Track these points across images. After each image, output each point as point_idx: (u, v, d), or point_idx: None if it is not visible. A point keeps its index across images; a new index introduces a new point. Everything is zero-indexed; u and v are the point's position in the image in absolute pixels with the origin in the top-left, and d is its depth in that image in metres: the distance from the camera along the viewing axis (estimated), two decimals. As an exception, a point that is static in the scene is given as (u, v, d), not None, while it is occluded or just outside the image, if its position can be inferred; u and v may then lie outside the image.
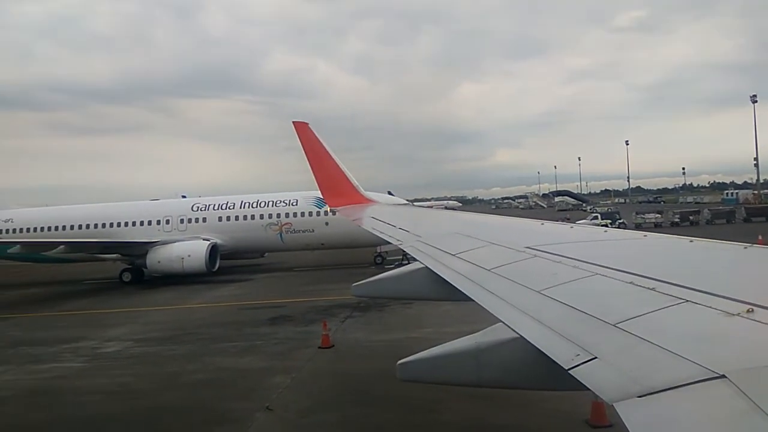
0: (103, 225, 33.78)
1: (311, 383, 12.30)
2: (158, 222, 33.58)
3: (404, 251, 28.53)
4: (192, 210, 34.30)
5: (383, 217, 13.24)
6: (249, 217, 33.52)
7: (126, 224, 33.70)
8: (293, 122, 19.61)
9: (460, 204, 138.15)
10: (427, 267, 6.27)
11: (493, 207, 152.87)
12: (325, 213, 32.26)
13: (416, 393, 9.84)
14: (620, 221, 50.60)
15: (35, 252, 31.75)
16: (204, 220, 33.72)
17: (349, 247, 33.50)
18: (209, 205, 34.51)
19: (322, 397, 11.40)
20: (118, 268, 32.57)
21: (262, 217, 33.33)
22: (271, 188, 36.11)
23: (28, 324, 21.58)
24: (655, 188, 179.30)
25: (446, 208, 73.70)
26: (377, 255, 32.80)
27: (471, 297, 4.34)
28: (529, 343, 3.06)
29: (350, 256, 34.12)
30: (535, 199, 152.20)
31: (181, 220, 33.61)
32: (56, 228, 34.05)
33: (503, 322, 3.57)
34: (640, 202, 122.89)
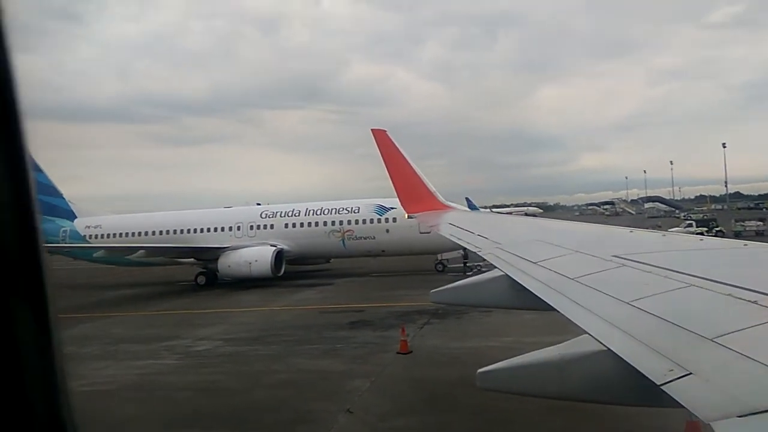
0: (181, 231, 35.94)
1: (390, 388, 12.39)
2: (230, 228, 35.31)
3: (466, 259, 28.31)
4: (261, 217, 35.79)
5: (461, 224, 13.15)
6: (313, 224, 34.59)
7: (201, 230, 35.76)
8: (372, 130, 19.93)
9: (541, 210, 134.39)
10: (507, 275, 6.18)
11: (577, 214, 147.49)
12: (386, 220, 33.15)
13: (495, 402, 9.68)
14: (717, 229, 47.42)
15: (118, 256, 34.18)
16: (272, 226, 35.04)
17: (409, 254, 33.89)
18: (277, 213, 35.90)
19: (401, 402, 11.45)
20: (194, 272, 34.50)
21: (325, 224, 34.28)
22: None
23: (129, 322, 23.20)
24: (756, 193, 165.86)
25: (526, 214, 71.94)
26: (438, 262, 32.85)
27: (554, 306, 4.24)
28: (617, 356, 2.96)
29: (412, 263, 34.42)
30: (622, 206, 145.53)
31: (251, 227, 35.09)
32: (138, 233, 36.52)
33: (589, 334, 3.46)
34: (740, 209, 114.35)
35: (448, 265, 32.64)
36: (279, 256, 32.14)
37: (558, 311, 4.12)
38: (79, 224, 37.80)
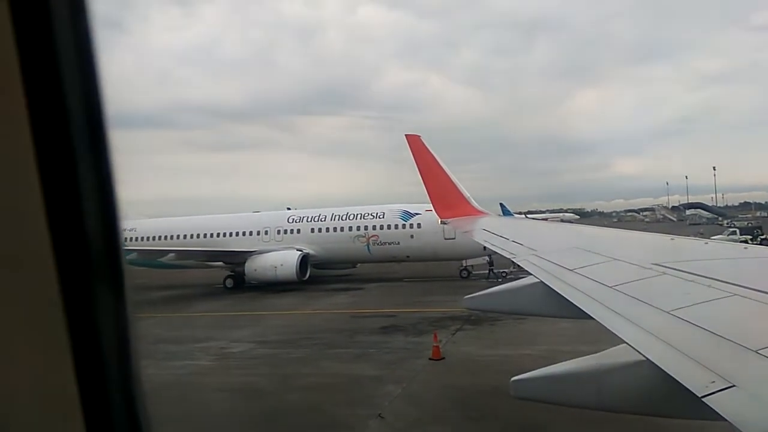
0: (211, 235, 36.82)
1: (422, 394, 12.34)
2: (258, 233, 36.01)
3: (491, 266, 28.36)
4: (288, 222, 36.43)
5: (495, 230, 13.04)
6: (339, 229, 35.00)
7: (230, 234, 36.51)
8: (406, 135, 19.97)
9: (578, 217, 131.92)
10: (542, 282, 6.10)
11: (615, 220, 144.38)
12: (411, 226, 33.26)
13: (529, 412, 9.54)
14: (762, 237, 45.75)
15: (151, 259, 35.11)
16: (298, 231, 35.62)
17: (433, 260, 33.89)
18: (303, 218, 36.47)
19: (433, 408, 11.39)
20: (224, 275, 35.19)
21: (350, 229, 34.60)
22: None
23: (168, 323, 23.70)
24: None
25: (562, 221, 70.87)
26: (463, 269, 32.79)
27: (591, 315, 4.16)
28: (657, 367, 2.89)
29: (439, 270, 34.38)
30: (663, 212, 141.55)
31: (278, 231, 35.73)
32: (170, 237, 37.52)
33: (628, 344, 3.39)
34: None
35: (473, 272, 32.65)
36: (304, 260, 32.57)
37: (595, 320, 4.04)
38: None
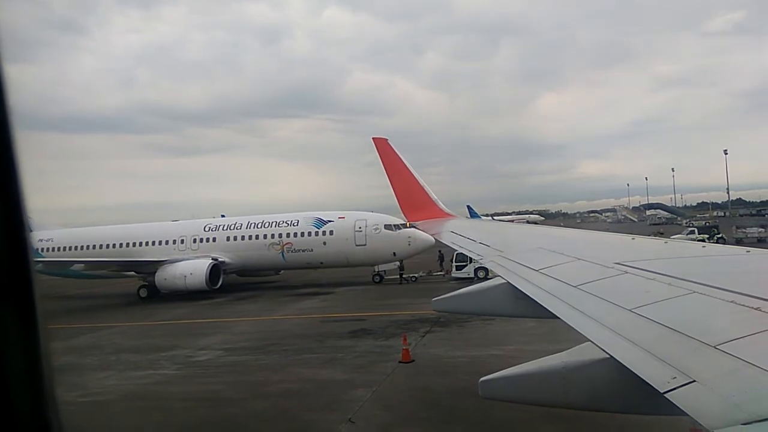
0: (127, 244, 36.58)
1: (392, 397, 12.33)
2: (174, 242, 36.08)
3: (402, 271, 29.67)
4: (204, 230, 36.60)
5: (463, 232, 13.12)
6: (254, 237, 35.41)
7: (146, 243, 36.37)
8: (373, 138, 19.94)
9: (543, 218, 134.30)
10: (509, 283, 6.16)
11: (578, 221, 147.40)
12: (323, 233, 34.02)
13: (498, 412, 9.64)
14: (719, 236, 47.31)
15: (62, 269, 34.49)
16: (214, 240, 35.91)
17: (346, 266, 34.90)
18: (219, 226, 36.85)
19: (404, 411, 11.39)
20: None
21: (265, 236, 35.10)
22: (350, 204, 37.55)
23: (130, 332, 23.15)
24: (758, 200, 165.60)
25: (528, 222, 71.98)
26: (375, 274, 33.98)
27: (556, 314, 4.22)
28: (621, 364, 2.94)
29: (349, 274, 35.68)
30: (624, 213, 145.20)
31: (194, 240, 35.92)
32: (85, 247, 36.93)
33: (592, 342, 3.44)
34: (742, 215, 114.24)
35: (386, 276, 33.91)
36: (215, 269, 32.61)
37: (560, 319, 4.10)
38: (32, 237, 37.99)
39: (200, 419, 11.68)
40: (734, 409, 2.06)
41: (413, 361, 14.82)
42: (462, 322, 19.12)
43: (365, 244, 32.73)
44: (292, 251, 34.30)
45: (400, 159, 19.47)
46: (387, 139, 19.91)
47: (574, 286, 4.66)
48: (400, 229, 32.98)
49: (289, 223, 35.10)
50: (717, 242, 41.66)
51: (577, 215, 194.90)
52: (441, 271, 34.69)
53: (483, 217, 55.84)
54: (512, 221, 63.37)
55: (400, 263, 33.61)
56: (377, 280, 33.54)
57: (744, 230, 51.45)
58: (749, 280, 3.97)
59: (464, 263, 32.00)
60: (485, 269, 30.22)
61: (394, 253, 32.89)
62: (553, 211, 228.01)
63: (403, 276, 33.51)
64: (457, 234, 12.90)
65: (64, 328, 22.78)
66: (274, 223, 35.47)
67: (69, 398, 12.71)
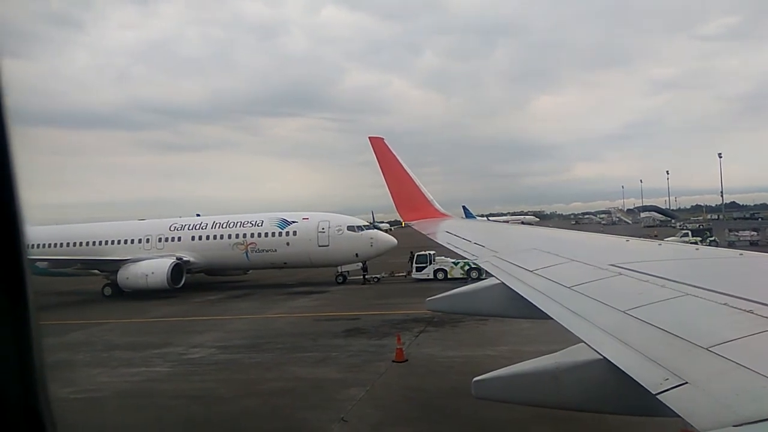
0: (93, 243, 36.72)
1: (385, 397, 12.33)
2: (140, 241, 36.32)
3: (365, 272, 30.42)
4: (169, 230, 36.88)
5: (458, 232, 13.13)
6: (218, 237, 35.79)
7: (113, 242, 36.61)
8: (369, 138, 19.93)
9: (538, 219, 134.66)
10: (503, 283, 6.16)
11: (573, 222, 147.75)
12: (287, 234, 34.42)
13: (491, 412, 9.65)
14: (711, 239, 47.52)
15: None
16: (179, 239, 36.23)
17: (309, 266, 35.40)
18: (184, 226, 37.15)
19: (397, 411, 11.39)
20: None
21: (230, 236, 35.50)
22: (344, 203, 37.92)
23: (122, 329, 23.06)
24: (751, 203, 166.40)
25: (523, 223, 72.12)
26: (339, 274, 34.36)
27: (550, 315, 4.22)
28: (613, 365, 2.95)
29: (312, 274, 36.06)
30: (618, 215, 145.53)
31: (159, 239, 36.23)
32: (51, 245, 36.78)
33: (585, 343, 3.45)
34: (736, 218, 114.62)
35: (349, 277, 34.32)
36: (177, 268, 32.79)
37: (554, 320, 4.11)
38: None
39: (193, 417, 11.65)
40: (726, 410, 2.07)
41: (407, 360, 14.83)
42: (456, 322, 19.15)
43: (328, 245, 33.32)
44: (256, 251, 34.78)
45: (396, 158, 19.45)
46: (383, 139, 19.90)
47: (568, 287, 4.67)
48: (362, 230, 33.81)
49: (254, 223, 35.62)
50: (709, 245, 41.82)
51: (572, 217, 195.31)
52: (402, 273, 35.15)
53: (478, 218, 55.89)
54: (507, 222, 63.50)
55: (364, 264, 34.14)
56: (340, 281, 33.98)
57: (736, 233, 51.69)
58: (742, 282, 3.99)
59: (424, 264, 33.15)
60: (478, 270, 30.57)
61: (357, 254, 33.52)
62: (549, 212, 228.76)
63: (366, 277, 34.05)
64: (453, 234, 12.90)
65: (55, 324, 22.66)
66: (238, 224, 36.00)
67: (62, 395, 12.66)
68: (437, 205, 20.00)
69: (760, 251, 5.67)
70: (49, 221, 41.25)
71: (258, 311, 25.78)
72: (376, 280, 34.20)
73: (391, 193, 19.30)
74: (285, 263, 35.26)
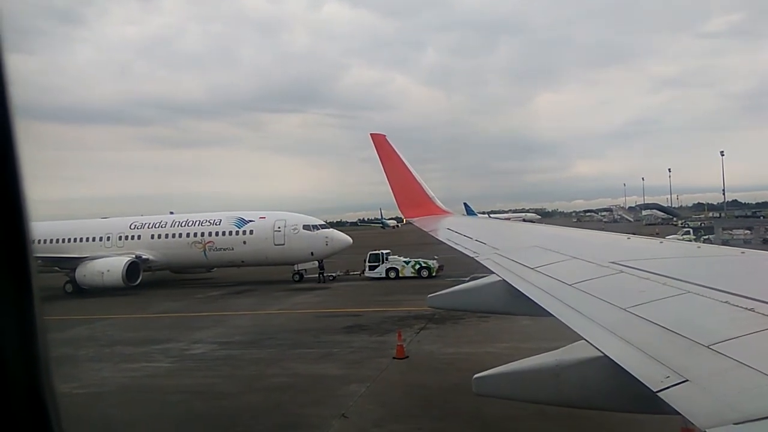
0: (55, 241, 36.86)
1: (386, 393, 12.35)
2: (101, 239, 36.77)
3: (321, 270, 30.65)
4: (130, 228, 37.32)
5: (459, 229, 13.13)
6: (177, 236, 36.32)
7: (74, 240, 36.97)
8: (371, 134, 19.92)
9: (539, 216, 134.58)
10: (504, 280, 6.17)
11: (574, 220, 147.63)
12: (244, 233, 34.86)
13: (491, 408, 9.68)
14: (705, 237, 47.40)
15: None
16: (139, 237, 36.70)
17: (266, 264, 35.66)
18: (144, 224, 37.54)
19: (397, 407, 11.41)
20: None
21: (188, 235, 36.03)
22: (344, 199, 38.12)
23: (123, 325, 23.13)
24: (753, 202, 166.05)
25: (524, 220, 72.12)
26: (296, 273, 34.62)
27: (551, 312, 4.23)
28: (614, 362, 2.95)
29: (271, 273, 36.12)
30: (620, 212, 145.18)
31: (120, 238, 36.70)
32: None
33: (586, 340, 3.46)
34: (737, 217, 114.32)
35: (306, 275, 34.60)
36: (133, 266, 33.09)
37: (555, 317, 4.11)
38: None
39: (194, 412, 11.69)
40: (727, 408, 2.07)
41: (407, 357, 14.84)
42: (457, 319, 19.16)
43: (284, 244, 33.72)
44: (213, 250, 35.29)
45: (398, 155, 19.44)
46: (385, 136, 19.88)
47: (570, 285, 4.67)
48: (318, 229, 34.17)
49: (212, 222, 36.14)
50: (704, 242, 41.73)
51: (574, 214, 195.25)
52: (357, 271, 35.33)
53: (480, 215, 55.89)
54: (509, 219, 63.50)
55: (320, 262, 34.38)
56: (297, 279, 34.26)
57: (730, 232, 51.53)
58: (743, 280, 3.99)
59: (377, 264, 33.73)
60: (428, 269, 32.47)
61: (312, 253, 33.91)
62: (550, 210, 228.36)
63: (323, 275, 34.27)
64: (454, 231, 12.91)
65: (57, 320, 22.73)
66: (197, 222, 36.53)
67: (65, 390, 12.69)
68: (439, 202, 19.99)
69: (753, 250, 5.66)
70: (52, 217, 41.48)
71: (259, 307, 25.83)
72: (332, 278, 34.58)
73: (392, 189, 19.30)
74: (242, 262, 35.83)
